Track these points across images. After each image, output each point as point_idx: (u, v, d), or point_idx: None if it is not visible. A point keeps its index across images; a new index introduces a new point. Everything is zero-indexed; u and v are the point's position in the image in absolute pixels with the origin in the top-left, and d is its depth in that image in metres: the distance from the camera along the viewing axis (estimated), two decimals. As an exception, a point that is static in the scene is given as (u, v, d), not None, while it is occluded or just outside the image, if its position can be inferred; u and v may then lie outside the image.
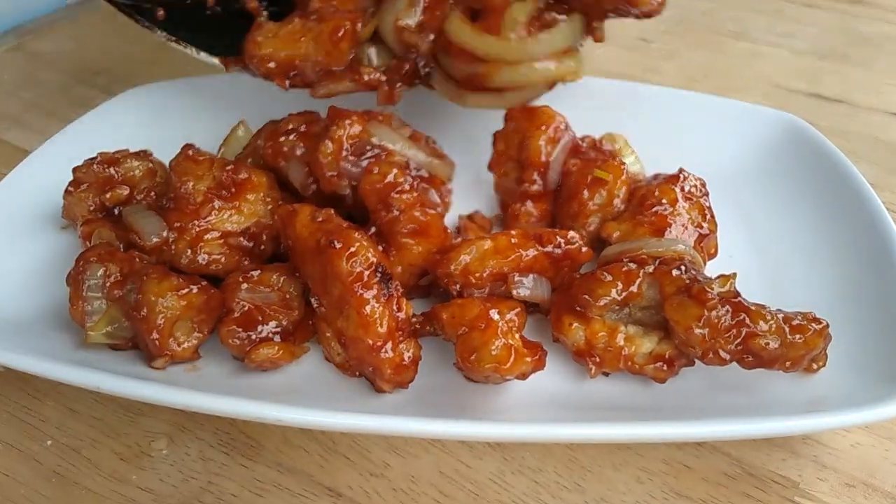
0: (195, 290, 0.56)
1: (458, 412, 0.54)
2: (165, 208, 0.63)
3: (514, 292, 0.57)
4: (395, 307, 0.53)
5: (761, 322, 0.51)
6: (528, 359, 0.52)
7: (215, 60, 0.72)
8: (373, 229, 0.61)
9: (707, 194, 0.66)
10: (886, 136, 0.91)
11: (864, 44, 1.12)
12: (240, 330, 0.56)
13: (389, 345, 0.52)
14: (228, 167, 0.63)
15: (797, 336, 0.51)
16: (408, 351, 0.53)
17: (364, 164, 0.61)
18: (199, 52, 0.73)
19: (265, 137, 0.67)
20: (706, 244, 0.63)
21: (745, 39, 1.14)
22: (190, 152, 0.63)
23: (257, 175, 0.64)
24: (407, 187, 0.60)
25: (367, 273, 0.52)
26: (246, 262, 0.62)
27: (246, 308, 0.57)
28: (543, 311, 0.61)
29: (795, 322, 0.52)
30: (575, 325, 0.56)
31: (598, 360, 0.56)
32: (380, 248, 0.59)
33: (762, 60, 1.09)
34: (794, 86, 1.02)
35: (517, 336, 0.53)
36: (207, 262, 0.61)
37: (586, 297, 0.55)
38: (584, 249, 0.60)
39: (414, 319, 0.57)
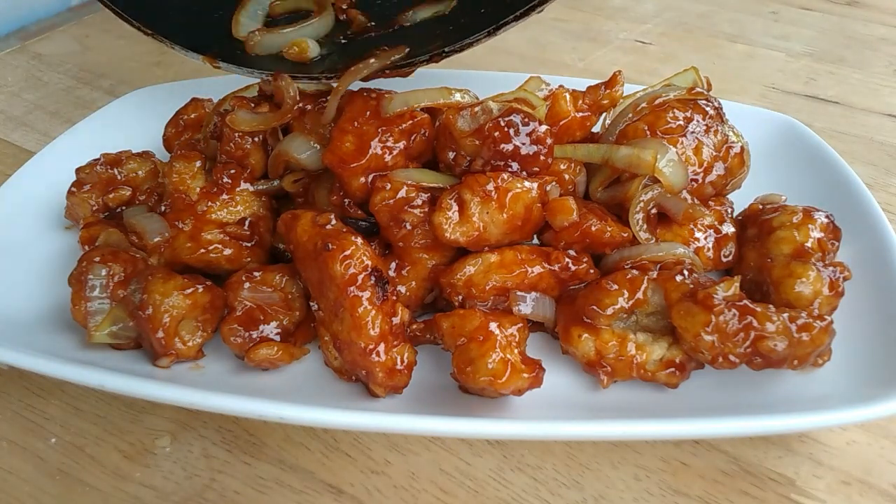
0: (200, 290, 0.57)
1: (458, 412, 0.54)
2: (164, 213, 0.64)
3: (515, 308, 0.57)
4: (390, 311, 0.53)
5: (768, 323, 0.51)
6: (525, 375, 0.52)
7: (198, 57, 0.70)
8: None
9: (732, 205, 0.66)
10: (882, 137, 0.92)
11: (860, 46, 1.13)
12: (241, 328, 0.57)
13: (382, 347, 0.52)
14: (219, 163, 0.64)
15: (803, 334, 0.51)
16: (402, 356, 0.53)
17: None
18: (182, 49, 0.70)
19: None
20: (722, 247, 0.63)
21: (742, 42, 1.15)
22: (181, 152, 0.64)
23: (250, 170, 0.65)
24: (419, 202, 0.58)
25: (361, 276, 0.52)
26: (248, 259, 0.63)
27: (248, 307, 0.58)
28: (547, 329, 0.61)
29: (801, 321, 0.52)
30: (584, 336, 0.56)
31: (609, 369, 0.56)
32: (393, 263, 0.60)
33: (759, 62, 1.09)
34: (791, 87, 1.03)
35: (516, 351, 0.53)
36: (209, 250, 0.61)
37: (594, 307, 0.55)
38: (591, 271, 0.60)
39: (415, 327, 0.58)
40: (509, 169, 0.58)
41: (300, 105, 0.63)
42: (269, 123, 0.64)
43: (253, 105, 0.65)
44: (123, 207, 0.69)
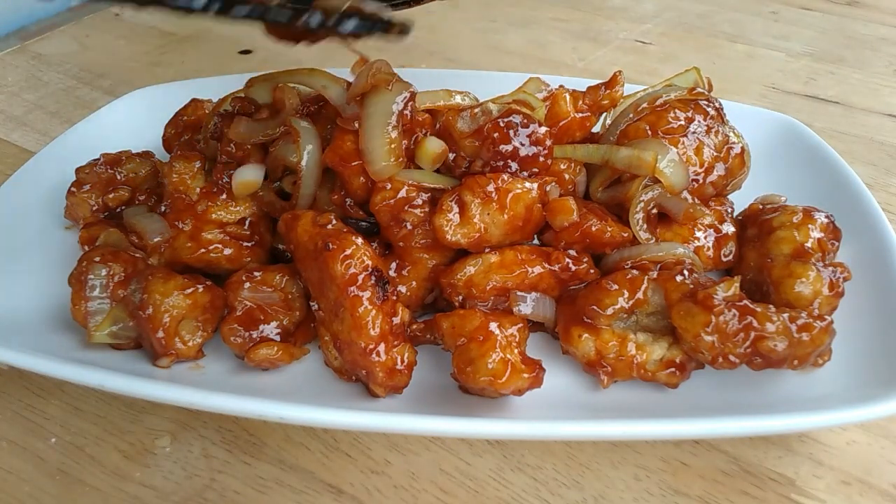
0: (201, 290, 0.57)
1: (458, 412, 0.54)
2: (164, 213, 0.64)
3: (515, 309, 0.57)
4: (390, 311, 0.53)
5: (768, 323, 0.51)
6: (525, 375, 0.52)
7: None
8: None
9: (732, 206, 0.67)
10: (882, 137, 0.92)
11: (860, 45, 1.13)
12: (241, 328, 0.57)
13: (382, 347, 0.52)
14: (219, 163, 0.64)
15: (803, 335, 0.51)
16: (402, 356, 0.53)
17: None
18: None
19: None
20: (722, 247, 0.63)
21: (742, 41, 1.15)
22: (181, 153, 0.64)
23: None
24: (420, 202, 0.58)
25: (361, 276, 0.52)
26: (248, 259, 0.63)
27: (248, 307, 0.58)
28: (548, 329, 0.61)
29: (801, 321, 0.52)
30: (584, 336, 0.56)
31: (609, 369, 0.56)
32: (393, 263, 0.60)
33: (759, 62, 1.09)
34: (791, 87, 1.03)
35: (516, 351, 0.53)
36: (210, 250, 0.61)
37: (594, 307, 0.55)
38: (591, 271, 0.60)
39: (415, 327, 0.58)
40: (509, 170, 0.58)
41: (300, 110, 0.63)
42: (269, 131, 0.64)
43: (253, 109, 0.65)
44: (123, 207, 0.69)
